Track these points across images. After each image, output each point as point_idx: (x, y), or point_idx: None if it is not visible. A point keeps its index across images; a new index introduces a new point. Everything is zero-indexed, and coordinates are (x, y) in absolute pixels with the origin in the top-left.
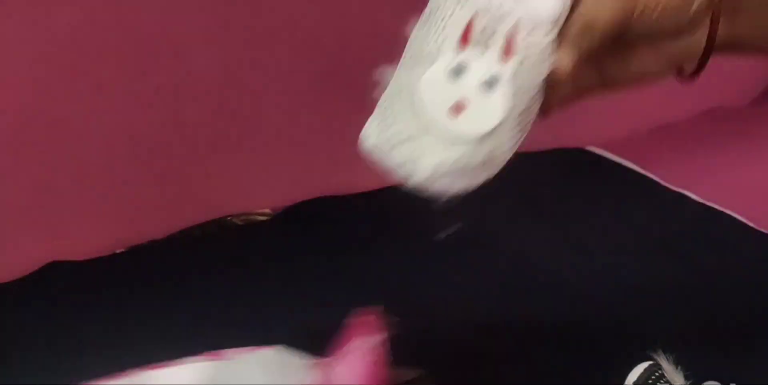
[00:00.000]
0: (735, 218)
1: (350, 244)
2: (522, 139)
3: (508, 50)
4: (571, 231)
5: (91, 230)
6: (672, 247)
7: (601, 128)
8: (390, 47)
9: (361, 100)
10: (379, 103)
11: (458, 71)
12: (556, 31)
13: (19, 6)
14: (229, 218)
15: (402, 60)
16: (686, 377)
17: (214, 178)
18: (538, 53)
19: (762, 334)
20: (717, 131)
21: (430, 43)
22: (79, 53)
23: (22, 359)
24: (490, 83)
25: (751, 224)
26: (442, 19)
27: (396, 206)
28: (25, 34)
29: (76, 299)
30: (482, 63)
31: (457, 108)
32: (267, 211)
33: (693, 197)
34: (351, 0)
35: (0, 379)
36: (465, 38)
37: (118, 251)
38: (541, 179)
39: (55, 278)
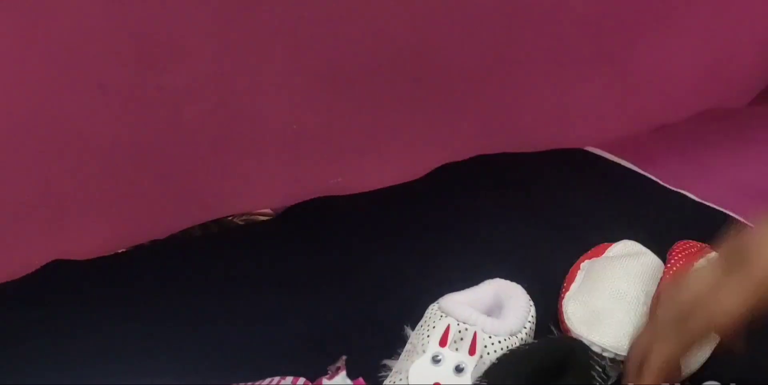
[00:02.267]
0: (734, 218)
1: (350, 244)
2: None
3: (472, 349)
4: (570, 230)
5: (93, 229)
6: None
7: (601, 128)
8: (390, 48)
9: (360, 101)
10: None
11: (438, 361)
12: (515, 339)
13: (20, 6)
14: (230, 218)
15: (404, 349)
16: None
17: (215, 178)
18: (494, 353)
19: (762, 333)
20: (716, 131)
21: (421, 340)
22: (80, 53)
23: (23, 358)
24: (460, 369)
25: (750, 224)
26: (431, 326)
27: (396, 206)
28: (26, 34)
29: (77, 297)
30: (455, 356)
31: None
32: (268, 211)
33: (691, 196)
34: (350, 0)
35: (1, 378)
36: (444, 339)
37: (119, 251)
38: (540, 179)
39: (56, 277)
